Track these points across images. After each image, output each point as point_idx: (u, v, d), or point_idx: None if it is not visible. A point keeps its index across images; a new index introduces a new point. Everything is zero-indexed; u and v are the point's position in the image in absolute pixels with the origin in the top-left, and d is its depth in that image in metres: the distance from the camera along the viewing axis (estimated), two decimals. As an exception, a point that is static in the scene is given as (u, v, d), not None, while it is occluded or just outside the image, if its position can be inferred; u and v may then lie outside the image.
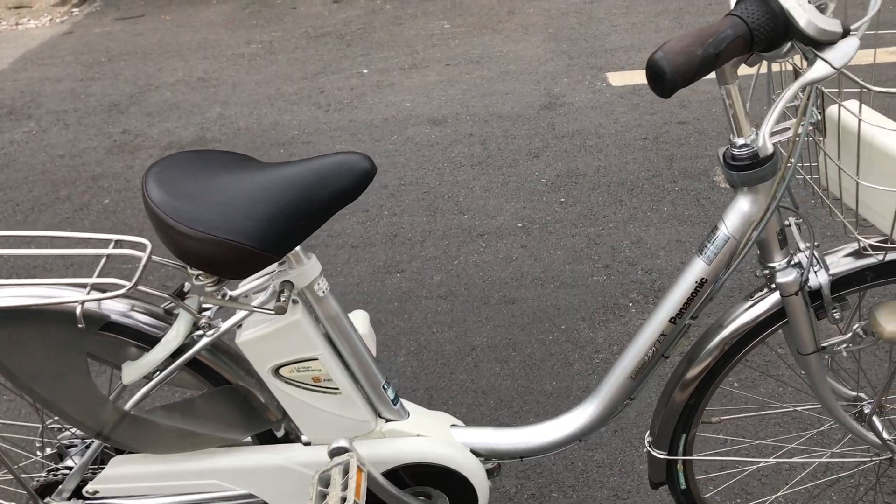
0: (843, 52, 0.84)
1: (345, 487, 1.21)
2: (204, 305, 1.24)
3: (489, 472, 1.53)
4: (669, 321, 1.28)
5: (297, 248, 1.21)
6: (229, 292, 1.24)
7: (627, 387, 1.35)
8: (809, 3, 0.83)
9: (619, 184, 2.98)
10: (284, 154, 3.46)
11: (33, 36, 5.57)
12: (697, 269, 1.24)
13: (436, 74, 4.16)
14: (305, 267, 1.22)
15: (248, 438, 1.40)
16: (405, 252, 2.71)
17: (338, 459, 1.26)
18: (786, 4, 0.82)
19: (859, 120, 1.06)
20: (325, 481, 1.24)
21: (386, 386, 1.35)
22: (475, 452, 1.41)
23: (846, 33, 0.83)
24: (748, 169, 1.14)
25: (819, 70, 0.84)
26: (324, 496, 1.21)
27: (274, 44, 4.88)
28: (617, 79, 3.87)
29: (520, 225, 2.79)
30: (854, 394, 1.49)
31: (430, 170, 3.22)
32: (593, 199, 2.90)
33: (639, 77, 3.86)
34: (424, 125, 3.59)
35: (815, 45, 0.83)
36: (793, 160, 1.08)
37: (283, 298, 1.19)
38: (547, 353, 2.21)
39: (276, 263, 1.22)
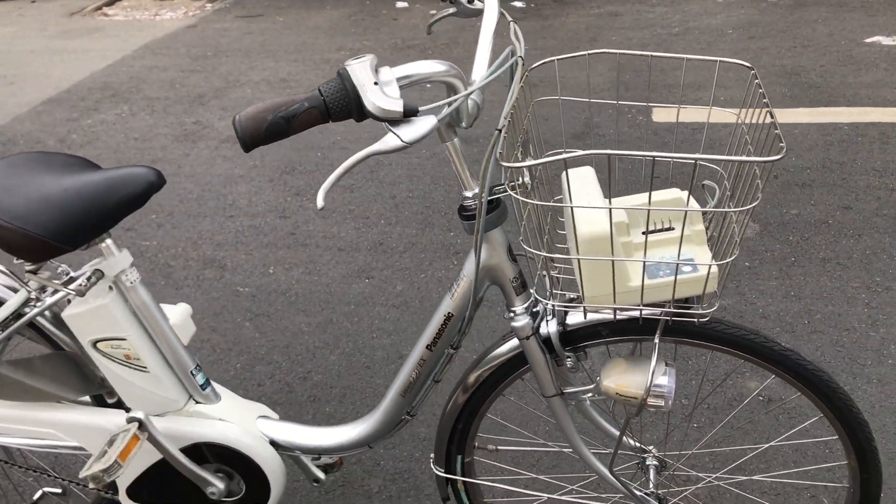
0: (414, 129, 0.94)
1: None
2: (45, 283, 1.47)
3: (329, 468, 1.69)
4: (426, 348, 1.40)
5: (109, 241, 1.42)
6: (71, 273, 1.47)
7: (399, 404, 1.47)
8: (377, 84, 0.93)
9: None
10: (320, 157, 3.71)
11: (163, 27, 6.15)
12: (445, 304, 1.35)
13: (489, 94, 4.28)
14: (115, 259, 1.42)
15: (88, 399, 1.63)
16: (382, 260, 2.88)
17: (128, 426, 1.46)
18: (358, 86, 0.93)
19: (525, 184, 1.15)
20: (111, 442, 1.44)
21: (195, 371, 1.54)
22: (276, 444, 1.57)
23: (412, 113, 0.93)
24: (472, 218, 1.24)
25: (388, 142, 0.94)
26: (104, 453, 1.42)
27: (360, 52, 5.16)
28: (661, 115, 3.86)
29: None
30: (637, 444, 1.53)
31: (439, 185, 3.37)
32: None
33: (682, 115, 3.84)
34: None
35: (389, 120, 0.94)
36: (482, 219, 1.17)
37: (87, 283, 1.40)
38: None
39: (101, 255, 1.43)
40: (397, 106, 0.91)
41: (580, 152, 1.04)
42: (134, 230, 3.23)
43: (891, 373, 2.17)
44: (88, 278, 1.41)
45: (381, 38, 5.44)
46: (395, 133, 0.93)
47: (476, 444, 1.53)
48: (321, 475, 1.66)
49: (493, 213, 1.25)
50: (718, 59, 1.27)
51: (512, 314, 1.31)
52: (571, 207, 1.15)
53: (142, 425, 1.47)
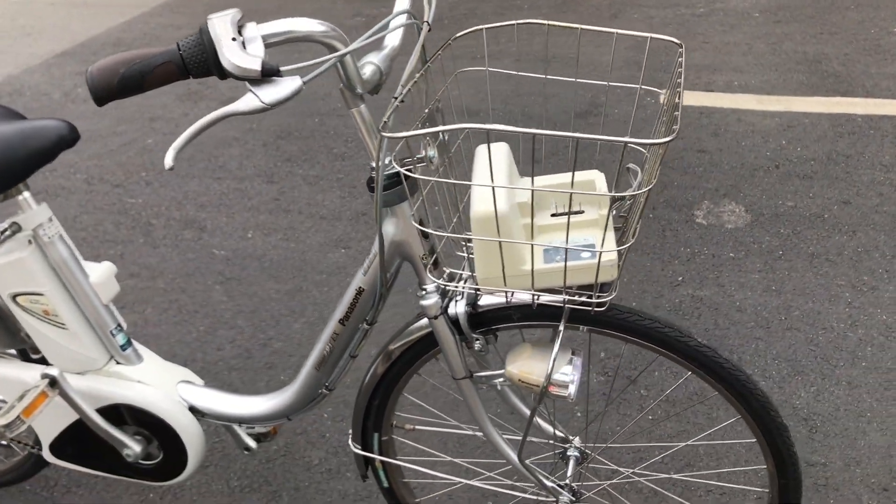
0: (276, 90, 0.88)
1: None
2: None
3: (262, 437, 1.67)
4: (339, 322, 1.36)
5: (27, 194, 1.39)
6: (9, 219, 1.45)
7: (314, 377, 1.44)
8: (235, 40, 0.87)
9: (600, 201, 2.93)
10: (317, 124, 3.67)
11: (186, -14, 6.13)
12: (357, 279, 1.31)
13: (502, 67, 4.20)
14: (32, 213, 1.40)
15: (14, 353, 1.62)
16: (362, 231, 2.84)
17: (41, 382, 1.44)
18: (215, 41, 0.87)
19: (438, 164, 1.09)
20: (22, 398, 1.43)
21: (115, 331, 1.51)
22: (196, 410, 1.55)
23: (273, 73, 0.87)
24: (389, 188, 1.19)
25: (248, 103, 0.89)
26: (11, 409, 1.41)
27: (372, 20, 5.10)
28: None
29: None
30: (557, 433, 1.48)
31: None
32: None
33: (692, 98, 3.72)
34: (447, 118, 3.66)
35: (248, 79, 0.88)
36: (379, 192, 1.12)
37: (0, 235, 1.38)
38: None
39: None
40: (254, 64, 0.86)
41: (472, 126, 0.99)
42: (122, 187, 3.23)
43: (862, 376, 2.08)
44: (3, 231, 1.39)
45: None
46: (254, 93, 0.88)
47: (394, 422, 1.49)
48: (252, 444, 1.64)
49: (399, 187, 1.19)
50: (650, 35, 1.20)
51: (423, 292, 1.27)
52: (470, 185, 1.10)
53: (55, 382, 1.46)
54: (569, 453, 1.47)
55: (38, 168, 1.34)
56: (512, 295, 1.19)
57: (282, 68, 0.89)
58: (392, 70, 1.19)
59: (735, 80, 3.89)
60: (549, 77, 1.25)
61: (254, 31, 0.89)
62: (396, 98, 1.09)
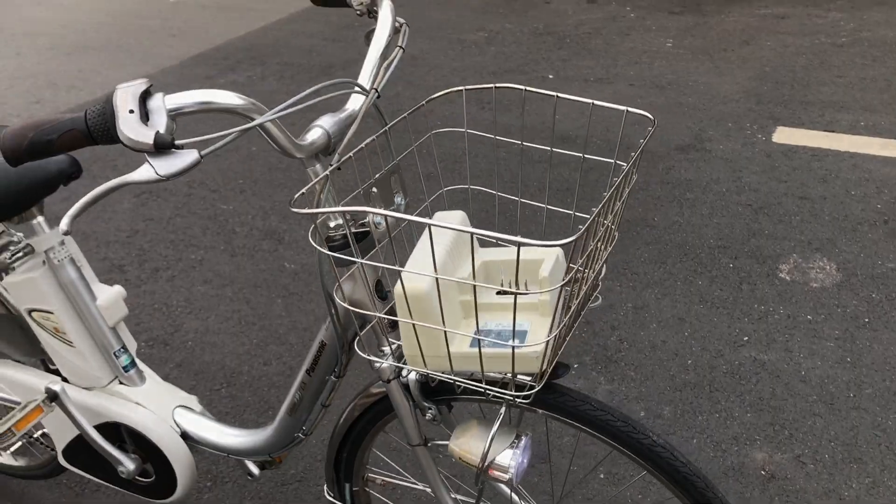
0: (172, 163, 0.88)
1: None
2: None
3: (266, 464, 1.70)
4: (306, 372, 1.36)
5: (40, 219, 1.48)
6: (24, 241, 1.55)
7: (288, 422, 1.45)
8: (133, 113, 0.87)
9: (680, 244, 2.79)
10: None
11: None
12: (321, 332, 1.30)
13: (611, 93, 4.08)
14: (45, 236, 1.48)
15: (38, 362, 1.72)
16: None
17: (34, 397, 1.53)
18: (116, 112, 0.87)
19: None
20: (23, 409, 1.52)
21: (119, 353, 1.58)
22: (188, 436, 1.59)
23: (166, 146, 0.87)
24: (333, 249, 1.18)
25: (144, 173, 0.88)
26: (10, 419, 1.50)
27: (498, 35, 5.07)
28: (783, 135, 3.51)
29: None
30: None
31: (502, 185, 3.26)
32: (631, 252, 2.76)
33: (807, 138, 3.48)
34: (518, 135, 3.59)
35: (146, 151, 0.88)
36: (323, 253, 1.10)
37: (11, 257, 1.47)
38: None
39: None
40: (147, 138, 0.87)
41: (390, 214, 0.96)
42: (218, 192, 3.37)
43: (926, 473, 1.88)
44: (16, 252, 1.48)
45: (524, 21, 5.32)
46: (150, 164, 0.88)
47: (365, 475, 1.48)
48: (255, 471, 1.67)
49: (349, 248, 1.17)
50: (626, 108, 1.12)
51: (381, 353, 1.24)
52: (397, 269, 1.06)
53: (55, 397, 1.54)
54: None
55: (41, 198, 1.42)
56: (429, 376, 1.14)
57: (181, 142, 0.89)
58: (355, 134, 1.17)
59: (862, 120, 3.60)
60: (525, 144, 1.20)
61: (158, 102, 0.90)
62: (332, 165, 1.08)
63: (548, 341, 0.99)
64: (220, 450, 1.58)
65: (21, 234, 1.58)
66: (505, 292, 1.11)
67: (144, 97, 0.91)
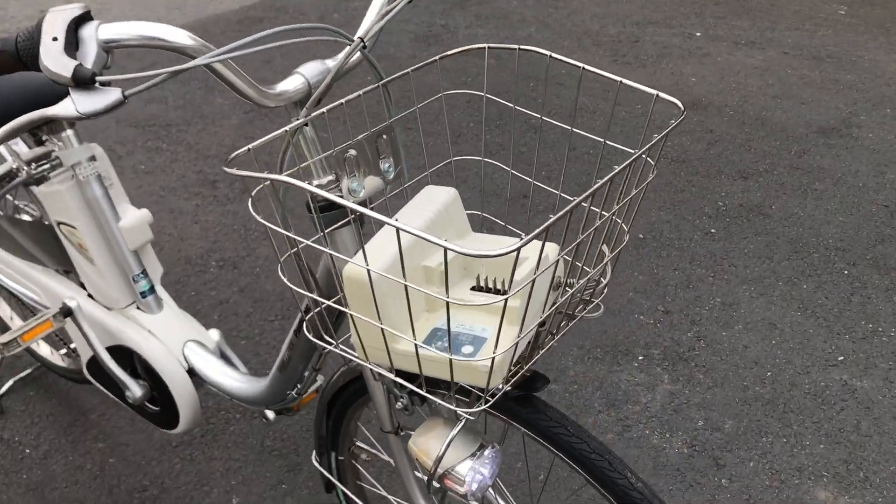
0: (93, 101, 0.78)
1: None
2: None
3: (283, 410, 1.66)
4: (293, 333, 1.28)
5: (69, 132, 1.45)
6: (55, 152, 1.54)
7: (279, 379, 1.39)
8: (56, 40, 0.77)
9: (793, 240, 2.50)
10: (529, 88, 3.50)
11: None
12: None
13: (760, 60, 3.71)
14: (72, 150, 1.45)
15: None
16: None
17: (46, 311, 1.53)
18: (42, 37, 0.78)
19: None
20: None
21: (139, 277, 1.54)
22: (194, 372, 1.55)
23: (86, 82, 0.76)
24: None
25: (64, 108, 0.79)
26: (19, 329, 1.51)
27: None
28: (948, 130, 3.08)
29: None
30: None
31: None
32: (734, 241, 2.50)
33: (977, 137, 3.03)
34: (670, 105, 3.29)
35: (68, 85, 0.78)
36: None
37: (38, 169, 1.45)
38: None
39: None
40: (65, 70, 0.78)
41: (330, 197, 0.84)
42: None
43: None
44: (43, 164, 1.46)
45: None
46: (72, 99, 0.80)
47: (350, 447, 1.39)
48: (270, 415, 1.62)
49: (335, 212, 1.06)
50: (656, 92, 0.94)
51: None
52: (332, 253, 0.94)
53: (70, 313, 1.54)
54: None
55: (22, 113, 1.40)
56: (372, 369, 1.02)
57: (105, 78, 0.80)
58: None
59: None
60: (544, 119, 1.04)
61: (91, 31, 0.81)
62: (298, 120, 0.96)
63: (509, 350, 0.84)
64: (222, 392, 1.54)
65: (62, 145, 1.57)
66: (482, 289, 0.97)
67: (78, 24, 0.82)
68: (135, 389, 1.57)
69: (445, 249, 0.71)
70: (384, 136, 1.02)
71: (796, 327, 2.18)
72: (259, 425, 1.95)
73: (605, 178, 0.81)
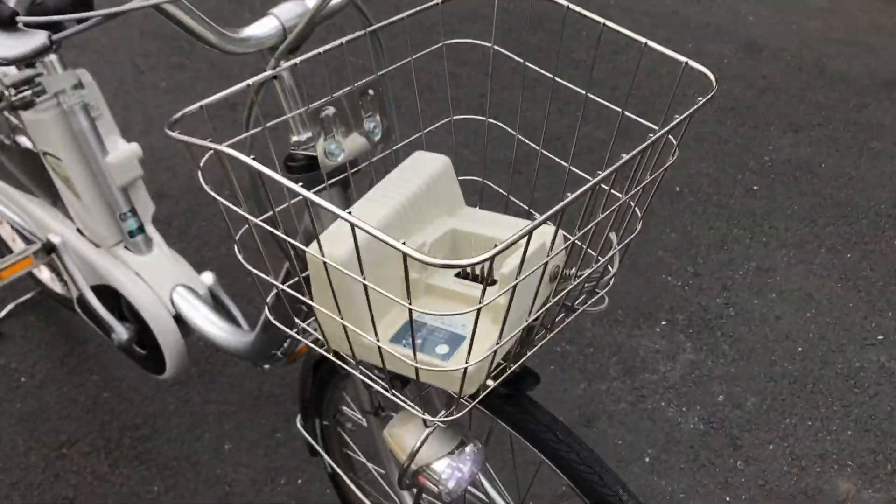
0: (14, 44, 0.66)
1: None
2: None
3: (280, 357, 1.58)
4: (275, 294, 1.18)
5: (53, 57, 1.34)
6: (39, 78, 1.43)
7: (262, 338, 1.32)
8: None
9: (841, 203, 2.33)
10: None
11: None
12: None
13: None
14: (55, 77, 1.35)
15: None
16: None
17: (29, 247, 1.45)
18: None
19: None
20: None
21: (126, 216, 1.45)
22: (181, 319, 1.47)
23: (8, 23, 0.65)
24: (296, 171, 0.97)
25: None
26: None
27: None
28: None
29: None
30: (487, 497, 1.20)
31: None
32: (778, 200, 2.34)
33: None
34: (735, 48, 3.08)
35: None
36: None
37: (17, 94, 1.35)
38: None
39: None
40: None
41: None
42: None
43: None
44: (24, 89, 1.36)
45: None
46: (-5, 42, 0.69)
47: (336, 415, 1.31)
48: (266, 364, 1.55)
49: (312, 174, 0.95)
50: (685, 59, 0.80)
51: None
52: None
53: (54, 249, 1.46)
54: None
55: None
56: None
57: (28, 19, 0.68)
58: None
59: None
60: (557, 80, 0.91)
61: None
62: (267, 72, 0.84)
63: (485, 357, 0.73)
64: (209, 341, 1.45)
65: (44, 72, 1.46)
66: (467, 277, 0.86)
67: None
68: (120, 332, 1.50)
69: (405, 255, 0.59)
70: (370, 92, 0.89)
71: (835, 300, 2.03)
72: (259, 371, 1.88)
73: (626, 157, 0.69)
